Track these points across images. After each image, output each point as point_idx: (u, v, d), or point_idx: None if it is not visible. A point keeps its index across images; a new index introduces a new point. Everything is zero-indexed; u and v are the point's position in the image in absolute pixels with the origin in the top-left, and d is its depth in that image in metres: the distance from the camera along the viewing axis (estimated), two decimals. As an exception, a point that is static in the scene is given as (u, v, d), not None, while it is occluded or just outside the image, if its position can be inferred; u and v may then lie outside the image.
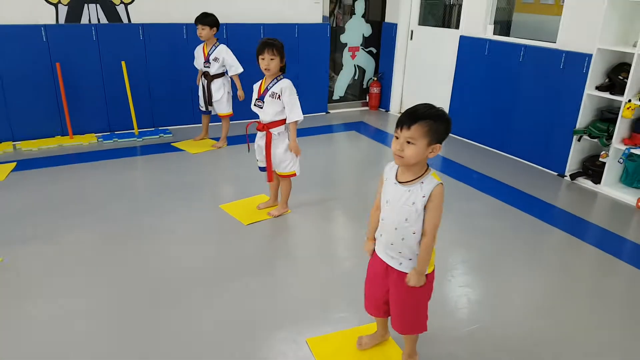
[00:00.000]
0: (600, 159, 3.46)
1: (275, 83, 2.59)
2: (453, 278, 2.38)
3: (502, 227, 2.93)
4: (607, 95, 3.34)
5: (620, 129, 3.27)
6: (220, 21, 3.88)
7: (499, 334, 1.98)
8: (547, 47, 3.79)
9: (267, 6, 4.71)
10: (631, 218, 3.13)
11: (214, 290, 2.19)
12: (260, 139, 2.75)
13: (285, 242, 2.73)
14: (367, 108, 5.77)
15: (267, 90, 2.61)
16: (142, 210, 2.94)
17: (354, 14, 5.41)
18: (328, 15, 5.16)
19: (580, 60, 3.50)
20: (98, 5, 4.06)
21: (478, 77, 4.35)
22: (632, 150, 3.23)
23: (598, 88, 3.41)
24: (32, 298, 2.10)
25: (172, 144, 4.14)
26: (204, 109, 4.08)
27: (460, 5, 4.56)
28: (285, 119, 2.64)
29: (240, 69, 3.86)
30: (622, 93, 3.22)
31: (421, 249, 1.49)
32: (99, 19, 4.09)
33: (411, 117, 1.38)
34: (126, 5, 4.16)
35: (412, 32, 5.23)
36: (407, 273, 1.54)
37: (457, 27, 4.65)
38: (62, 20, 3.97)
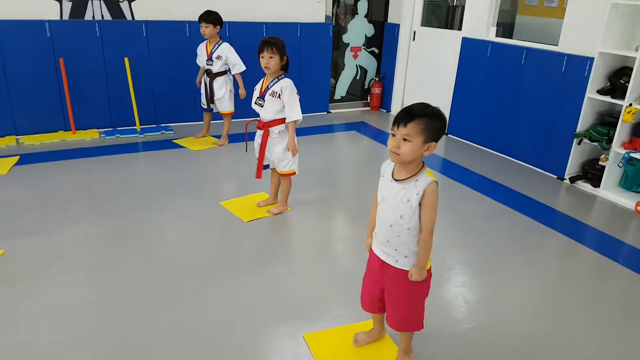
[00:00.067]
0: (600, 163, 3.47)
1: (276, 82, 2.61)
2: (450, 278, 2.40)
3: (501, 228, 2.94)
4: (608, 99, 3.35)
5: (621, 132, 3.28)
6: (224, 19, 3.89)
7: (495, 333, 2.00)
8: (549, 49, 3.80)
9: (270, 5, 4.72)
10: (630, 222, 3.14)
11: (213, 286, 2.21)
12: (260, 137, 2.77)
13: (284, 240, 2.75)
14: (368, 108, 5.78)
15: (267, 88, 2.63)
16: (143, 206, 2.96)
17: (357, 13, 5.42)
18: (331, 14, 5.17)
19: (581, 64, 3.50)
20: (102, 2, 4.08)
21: (480, 79, 4.36)
22: (632, 154, 3.24)
23: (599, 92, 3.42)
24: (32, 291, 2.11)
25: (173, 140, 4.16)
26: (205, 106, 4.09)
27: (463, 7, 4.57)
28: (285, 118, 2.66)
29: (243, 67, 3.87)
30: (623, 97, 3.23)
31: (420, 245, 1.51)
32: (102, 15, 4.11)
33: (408, 115, 1.41)
34: (130, 2, 4.18)
35: (414, 32, 5.24)
36: (403, 270, 1.56)
37: (459, 28, 4.66)
38: (66, 16, 3.99)
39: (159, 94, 4.44)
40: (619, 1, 3.13)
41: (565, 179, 3.72)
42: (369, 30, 5.54)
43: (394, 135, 1.44)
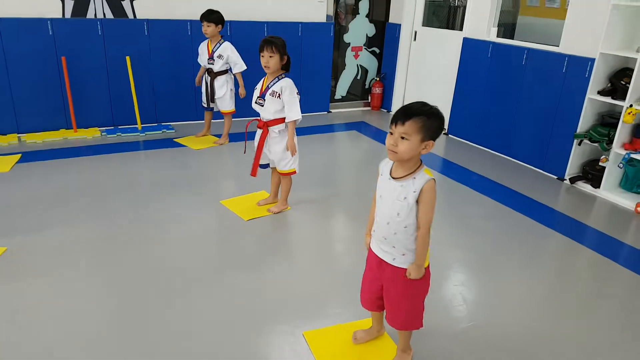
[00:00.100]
0: (600, 164, 3.48)
1: (276, 82, 2.62)
2: (449, 277, 2.41)
3: (501, 228, 2.94)
4: (608, 100, 3.35)
5: (621, 133, 3.29)
6: (225, 18, 3.90)
7: (494, 332, 2.00)
8: (550, 50, 3.80)
9: (271, 4, 4.73)
10: (630, 223, 3.14)
11: (213, 284, 2.22)
12: (259, 136, 2.77)
13: (284, 239, 2.76)
14: (368, 108, 5.79)
15: (268, 88, 2.64)
16: (144, 204, 2.97)
17: (358, 13, 5.43)
18: (332, 14, 5.18)
19: (582, 65, 3.51)
20: (104, 0, 4.09)
21: (480, 79, 4.36)
22: (632, 155, 3.24)
23: (600, 92, 3.42)
24: (33, 288, 2.13)
25: (174, 139, 4.17)
26: (206, 105, 4.10)
27: (465, 7, 4.58)
28: (285, 118, 2.66)
29: (244, 67, 3.88)
30: (623, 98, 3.23)
31: (417, 242, 1.52)
32: (104, 14, 4.12)
33: (405, 113, 1.42)
34: (131, 0, 4.19)
35: (415, 32, 5.24)
36: (401, 268, 1.57)
37: (460, 28, 4.66)
38: (68, 15, 4.01)
39: (160, 93, 4.45)
40: (620, 2, 3.14)
41: (566, 180, 3.72)
42: (370, 30, 5.54)
43: (391, 134, 1.45)
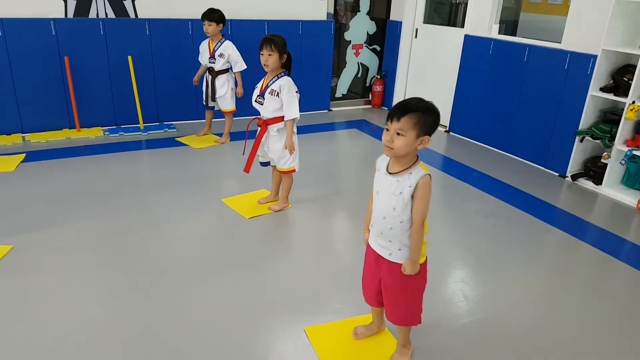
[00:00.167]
0: (602, 160, 3.47)
1: (275, 80, 2.63)
2: (450, 273, 2.41)
3: (502, 226, 2.95)
4: (611, 96, 3.34)
5: (623, 130, 3.28)
6: (226, 17, 3.91)
7: (494, 328, 2.01)
8: (551, 47, 3.79)
9: (272, 3, 4.74)
10: (631, 219, 3.13)
11: (215, 281, 2.24)
12: (263, 135, 2.79)
13: (285, 236, 2.77)
14: (369, 106, 5.79)
15: (267, 87, 2.65)
16: (146, 203, 2.99)
17: (359, 11, 5.42)
18: (333, 12, 5.18)
19: (585, 61, 3.50)
20: (106, 0, 4.11)
21: (482, 76, 4.35)
22: (635, 152, 3.23)
23: (602, 89, 3.41)
24: (39, 285, 2.15)
25: (176, 138, 4.19)
26: (207, 104, 4.12)
27: (466, 4, 4.57)
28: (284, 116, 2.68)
29: (244, 66, 3.89)
30: (626, 95, 3.22)
31: (411, 238, 1.53)
32: (106, 14, 4.14)
33: (401, 109, 1.43)
34: (133, 0, 4.21)
35: (416, 30, 5.24)
36: (397, 263, 1.58)
37: (462, 26, 4.65)
38: (70, 15, 4.03)
39: (162, 92, 4.47)
40: (622, -2, 3.13)
41: (567, 177, 3.72)
42: (371, 27, 5.54)
43: (387, 130, 1.46)
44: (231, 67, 3.95)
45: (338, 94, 5.66)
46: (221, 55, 3.87)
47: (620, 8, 3.19)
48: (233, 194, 3.14)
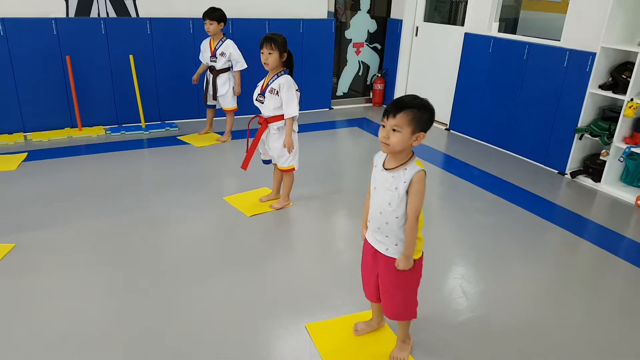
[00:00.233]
0: (601, 158, 3.48)
1: (275, 79, 2.65)
2: (450, 270, 2.44)
3: (502, 223, 2.96)
4: (609, 94, 3.36)
5: (622, 127, 3.29)
6: (227, 16, 3.92)
7: (494, 324, 2.03)
8: (551, 45, 3.80)
9: (273, 1, 4.75)
10: (630, 216, 3.15)
11: (216, 279, 2.26)
12: (262, 133, 2.81)
13: (286, 234, 2.79)
14: (370, 104, 5.80)
15: (268, 85, 2.67)
16: (148, 201, 3.01)
17: (359, 9, 5.43)
18: (333, 10, 5.19)
19: (584, 59, 3.51)
20: None
21: (482, 74, 4.37)
22: (633, 149, 3.25)
23: (601, 87, 3.42)
24: (41, 283, 2.17)
25: (177, 137, 4.21)
26: (209, 103, 4.14)
27: (466, 3, 4.57)
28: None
29: (245, 65, 3.91)
30: (624, 92, 3.23)
31: (405, 233, 1.55)
32: (107, 13, 4.16)
33: (397, 106, 1.46)
34: (135, -1, 4.23)
35: (417, 28, 5.25)
36: (394, 258, 1.60)
37: (462, 24, 4.66)
38: (72, 14, 4.05)
39: (164, 91, 4.49)
40: (621, -4, 3.14)
41: (567, 174, 3.74)
42: (372, 26, 5.55)
43: (384, 127, 1.49)
44: (232, 65, 3.96)
45: (339, 92, 5.67)
46: (222, 54, 3.89)
47: (619, 5, 3.20)
48: (234, 192, 3.16)
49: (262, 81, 2.74)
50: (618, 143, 3.32)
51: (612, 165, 3.44)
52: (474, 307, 2.13)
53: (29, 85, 3.98)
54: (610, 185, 3.47)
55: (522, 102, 4.05)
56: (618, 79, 3.34)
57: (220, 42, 3.90)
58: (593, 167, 3.57)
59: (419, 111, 1.45)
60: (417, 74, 5.35)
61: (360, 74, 5.71)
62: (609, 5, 3.20)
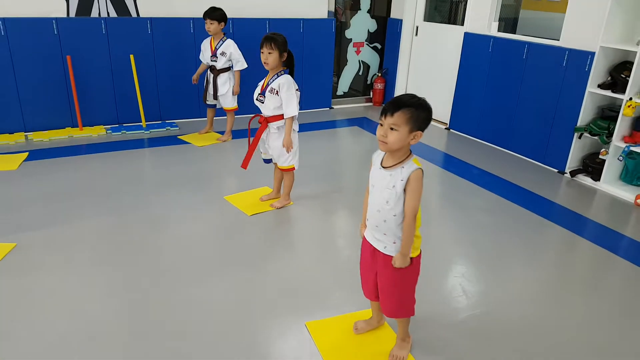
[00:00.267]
0: (600, 157, 3.49)
1: (275, 79, 2.66)
2: (450, 268, 2.45)
3: (502, 222, 2.97)
4: (608, 93, 3.37)
5: (621, 126, 3.30)
6: (227, 16, 3.93)
7: (494, 323, 2.04)
8: (550, 44, 3.81)
9: (273, 1, 4.76)
10: (630, 215, 3.16)
11: (216, 279, 2.27)
12: (262, 132, 2.82)
13: (287, 233, 2.80)
14: (370, 104, 5.81)
15: (268, 85, 2.68)
16: (149, 200, 3.02)
17: (359, 9, 5.44)
18: (333, 10, 5.19)
19: (583, 58, 3.52)
20: (108, -1, 4.14)
21: (481, 73, 4.38)
22: (632, 148, 3.26)
23: (600, 86, 3.43)
24: (42, 282, 2.18)
25: (178, 136, 4.22)
26: (209, 102, 4.15)
27: (466, 2, 4.58)
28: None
29: (245, 65, 3.93)
30: (623, 91, 3.24)
31: (403, 231, 1.56)
32: (108, 13, 4.17)
33: (394, 105, 1.47)
34: (135, -1, 4.24)
35: (417, 28, 5.26)
36: (392, 256, 1.61)
37: (462, 23, 4.67)
38: (72, 14, 4.05)
39: (164, 91, 4.50)
40: (620, -5, 3.14)
41: (566, 173, 3.75)
42: (372, 25, 5.56)
43: (381, 125, 1.50)
44: (232, 65, 3.97)
45: (339, 92, 5.68)
46: (223, 53, 3.90)
47: (618, 5, 3.21)
48: (235, 192, 3.17)
49: (263, 81, 2.75)
50: (617, 142, 3.33)
51: (612, 164, 3.45)
52: (474, 306, 2.14)
53: (29, 85, 3.99)
54: (610, 184, 3.48)
55: (521, 102, 4.06)
56: (617, 78, 3.35)
57: (221, 42, 3.91)
58: (592, 166, 3.58)
59: (417, 110, 1.47)
60: (417, 73, 5.36)
61: (360, 73, 5.72)
62: (607, 5, 3.21)
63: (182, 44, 4.40)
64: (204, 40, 4.02)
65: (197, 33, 4.35)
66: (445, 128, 4.90)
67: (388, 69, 5.60)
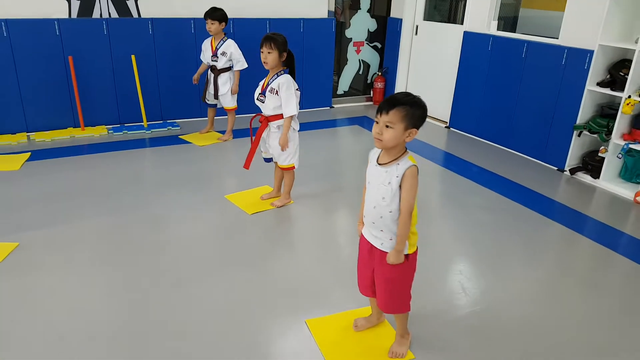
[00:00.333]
0: (600, 154, 3.50)
1: (275, 78, 2.68)
2: (450, 266, 2.46)
3: (501, 220, 2.99)
4: (607, 91, 3.38)
5: (620, 124, 3.31)
6: (228, 16, 3.95)
7: (493, 320, 2.05)
8: (549, 43, 3.82)
9: (273, 1, 4.78)
10: (629, 212, 3.17)
11: (219, 275, 2.29)
12: (263, 131, 2.84)
13: (287, 231, 2.82)
14: (371, 103, 5.82)
15: (268, 85, 2.70)
16: (150, 200, 3.04)
17: (359, 8, 5.45)
18: (333, 10, 5.21)
19: (582, 57, 3.53)
20: (109, 0, 4.16)
21: (481, 72, 4.39)
22: (631, 146, 3.27)
23: (599, 84, 3.44)
24: (44, 281, 2.20)
25: (179, 136, 4.24)
26: (210, 102, 4.17)
27: (466, 1, 4.59)
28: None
29: (245, 65, 3.95)
30: (622, 89, 3.25)
31: (398, 227, 1.58)
32: (109, 13, 4.19)
33: (390, 103, 1.50)
34: (136, 0, 4.25)
35: (417, 27, 5.27)
36: (388, 252, 1.63)
37: (462, 22, 4.68)
38: (74, 15, 4.08)
39: (165, 91, 4.52)
40: (618, -7, 3.15)
41: (566, 171, 3.76)
42: (372, 24, 5.57)
43: (377, 123, 1.53)
44: (232, 65, 3.99)
45: (340, 91, 5.70)
46: (223, 53, 3.92)
47: (617, 4, 3.22)
48: (236, 191, 3.19)
49: (263, 81, 2.77)
50: (616, 140, 3.34)
51: (611, 162, 3.46)
52: (474, 303, 2.16)
53: (31, 85, 4.02)
54: (609, 182, 3.49)
55: (521, 100, 4.07)
56: (616, 76, 3.36)
57: (222, 42, 3.93)
58: (592, 164, 3.59)
59: (412, 108, 1.49)
60: (417, 72, 5.37)
61: (360, 72, 5.73)
62: (606, 3, 3.21)
63: (183, 44, 4.43)
64: (205, 40, 4.04)
65: (198, 33, 4.36)
66: (445, 126, 4.91)
67: (388, 68, 5.61)
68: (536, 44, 3.90)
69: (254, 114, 2.87)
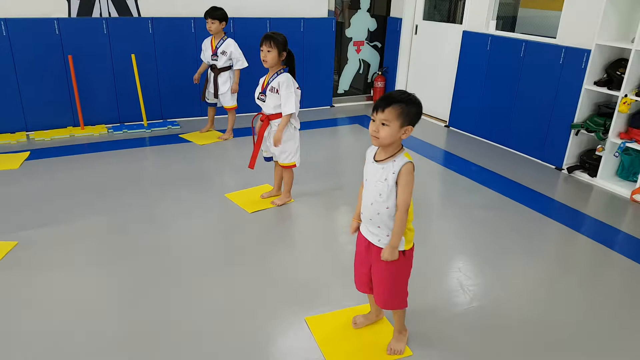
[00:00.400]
0: (597, 153, 3.53)
1: (275, 77, 2.70)
2: (449, 264, 2.48)
3: (500, 218, 3.01)
4: (604, 90, 3.40)
5: (617, 123, 3.34)
6: (228, 15, 3.96)
7: (491, 317, 2.07)
8: (547, 42, 3.84)
9: (274, 0, 4.79)
10: (626, 210, 3.20)
11: (219, 274, 2.31)
12: (264, 130, 2.85)
13: (287, 230, 2.84)
14: (371, 102, 5.84)
15: (268, 84, 2.72)
16: (151, 199, 3.05)
17: (359, 8, 5.47)
18: (333, 9, 5.22)
19: (579, 56, 3.55)
20: None
21: (480, 71, 4.41)
22: (628, 144, 3.29)
23: (596, 83, 3.47)
24: (43, 280, 2.21)
25: (179, 135, 4.26)
26: (209, 101, 4.19)
27: (465, 1, 4.61)
28: None
29: (245, 64, 3.96)
30: (619, 88, 3.28)
31: (394, 224, 1.60)
32: (109, 13, 4.20)
33: (385, 101, 1.52)
34: (136, -1, 4.27)
35: (416, 26, 5.29)
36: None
37: (461, 22, 4.70)
38: (74, 14, 4.09)
39: (165, 90, 4.53)
40: (616, -7, 3.17)
41: (563, 169, 3.78)
42: (372, 24, 5.59)
43: (373, 121, 1.55)
44: (232, 64, 4.01)
45: (340, 90, 5.71)
46: (223, 52, 3.93)
47: (613, 4, 3.24)
48: (236, 189, 3.21)
49: (263, 80, 2.79)
50: (613, 138, 3.37)
51: (608, 161, 3.49)
52: (472, 300, 2.18)
53: (31, 84, 4.02)
54: (606, 180, 3.52)
55: (519, 99, 4.09)
56: (613, 75, 3.38)
57: (222, 41, 3.94)
58: (589, 162, 3.62)
59: (407, 105, 1.51)
60: (416, 71, 5.39)
61: (360, 72, 5.75)
62: (603, 3, 3.24)
63: (183, 44, 4.44)
64: (205, 40, 4.05)
65: (198, 32, 4.38)
66: (445, 126, 4.93)
67: (388, 68, 5.63)
68: (534, 44, 3.92)
69: (254, 113, 2.88)
